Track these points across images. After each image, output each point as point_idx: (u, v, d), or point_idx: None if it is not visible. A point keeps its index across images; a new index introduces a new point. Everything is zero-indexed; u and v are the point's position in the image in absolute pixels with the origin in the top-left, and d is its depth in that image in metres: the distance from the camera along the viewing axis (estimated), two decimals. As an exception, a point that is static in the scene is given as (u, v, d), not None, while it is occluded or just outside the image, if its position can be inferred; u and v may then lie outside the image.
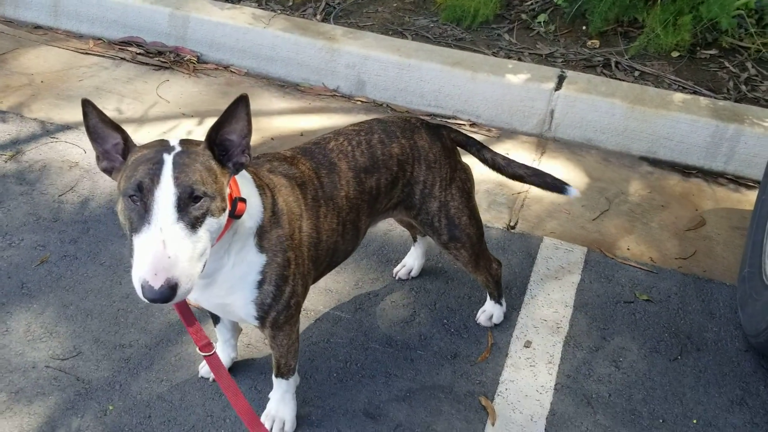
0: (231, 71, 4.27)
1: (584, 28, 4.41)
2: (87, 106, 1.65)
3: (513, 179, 2.53)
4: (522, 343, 2.67)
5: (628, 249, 3.13)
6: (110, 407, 2.34)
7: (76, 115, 3.76)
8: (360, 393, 2.44)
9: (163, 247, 1.51)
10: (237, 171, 1.74)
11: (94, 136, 1.69)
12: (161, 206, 1.55)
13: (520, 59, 4.14)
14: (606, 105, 3.73)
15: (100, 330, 2.59)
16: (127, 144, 1.69)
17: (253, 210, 1.84)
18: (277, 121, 3.85)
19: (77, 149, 3.50)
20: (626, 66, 4.14)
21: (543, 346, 2.65)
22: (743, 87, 4.03)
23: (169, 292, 1.50)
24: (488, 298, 2.72)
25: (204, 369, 2.46)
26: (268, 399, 2.32)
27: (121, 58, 4.30)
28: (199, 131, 3.71)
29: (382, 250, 3.03)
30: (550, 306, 2.82)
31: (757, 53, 4.22)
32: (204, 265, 1.62)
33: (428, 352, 2.61)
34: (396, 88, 4.04)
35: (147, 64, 4.26)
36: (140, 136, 3.62)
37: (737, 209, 3.44)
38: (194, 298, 1.96)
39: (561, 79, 3.86)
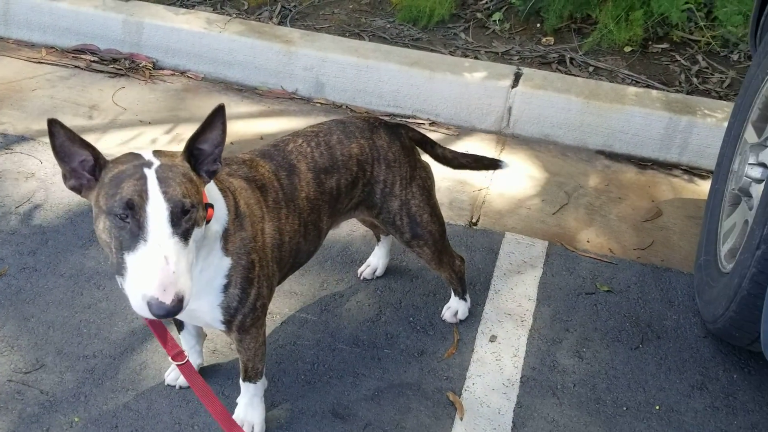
0: (188, 76, 4.24)
1: (539, 25, 4.46)
2: (54, 125, 1.61)
3: (459, 168, 2.65)
4: (487, 337, 2.70)
5: (587, 241, 3.18)
6: (76, 419, 2.31)
7: (30, 125, 3.70)
8: (328, 394, 2.45)
9: (166, 263, 1.53)
10: (210, 179, 1.75)
11: (60, 155, 1.65)
12: (156, 222, 1.56)
13: (476, 58, 4.18)
14: (562, 101, 3.78)
15: (62, 341, 2.56)
16: (99, 161, 1.66)
17: (219, 213, 1.84)
18: (237, 125, 3.83)
19: (33, 160, 3.45)
20: (581, 62, 4.20)
21: (508, 340, 2.69)
22: (695, 79, 4.12)
23: (179, 305, 1.53)
24: (452, 294, 2.74)
25: (170, 376, 2.44)
26: (236, 404, 2.32)
27: (75, 66, 4.24)
28: (161, 138, 3.68)
29: (346, 251, 3.04)
30: (513, 300, 2.86)
31: (707, 46, 4.32)
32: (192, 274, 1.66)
33: (395, 350, 2.63)
34: (355, 89, 4.06)
35: (102, 71, 4.21)
36: (100, 145, 3.55)
37: (692, 199, 3.52)
38: None
39: (517, 77, 3.91)
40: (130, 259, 1.55)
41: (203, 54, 4.21)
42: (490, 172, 3.57)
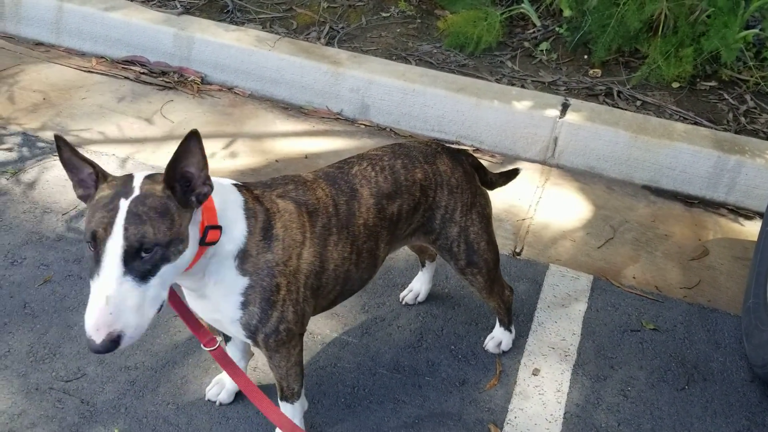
0: (235, 92, 4.27)
1: (586, 57, 4.45)
2: (59, 140, 1.67)
3: (498, 187, 2.64)
4: (530, 370, 2.66)
5: (633, 277, 3.13)
6: (116, 430, 2.30)
7: (79, 133, 3.74)
8: (368, 419, 2.42)
9: (104, 303, 1.54)
10: (201, 202, 1.72)
11: (69, 167, 1.71)
12: (108, 259, 1.56)
13: (523, 86, 4.17)
14: (609, 134, 3.75)
15: (105, 351, 2.56)
16: (98, 176, 1.69)
17: (236, 234, 1.84)
18: (281, 143, 3.85)
19: (81, 168, 3.48)
20: (628, 95, 4.17)
21: (551, 374, 2.64)
22: (742, 119, 4.07)
23: (111, 345, 1.55)
24: (497, 324, 2.71)
25: (211, 391, 2.43)
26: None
27: (125, 77, 4.30)
28: (206, 152, 3.70)
29: (388, 275, 3.02)
30: (557, 333, 2.82)
31: (755, 86, 4.28)
32: (161, 306, 1.66)
33: (436, 378, 2.59)
34: (400, 112, 4.06)
35: (150, 83, 4.26)
36: (144, 156, 3.61)
37: (739, 240, 3.46)
38: (194, 308, 2.00)
39: (565, 107, 3.89)
40: (91, 288, 1.58)
41: (251, 71, 4.24)
42: (535, 202, 3.55)
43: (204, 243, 1.74)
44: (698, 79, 4.33)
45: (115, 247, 1.56)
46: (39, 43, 4.59)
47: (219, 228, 1.78)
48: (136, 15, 4.38)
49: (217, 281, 1.85)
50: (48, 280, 2.83)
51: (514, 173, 2.64)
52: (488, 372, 2.64)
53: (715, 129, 3.91)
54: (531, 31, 4.66)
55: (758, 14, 4.34)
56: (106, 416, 2.34)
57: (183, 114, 4.02)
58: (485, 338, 2.75)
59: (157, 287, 1.63)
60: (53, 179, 3.38)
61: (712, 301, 3.06)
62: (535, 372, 2.65)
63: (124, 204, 1.60)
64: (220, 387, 2.44)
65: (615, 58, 4.44)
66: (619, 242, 3.35)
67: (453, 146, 2.46)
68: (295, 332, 2.00)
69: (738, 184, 3.67)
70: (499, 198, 3.57)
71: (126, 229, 1.57)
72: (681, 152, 3.69)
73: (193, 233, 1.71)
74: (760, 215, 3.65)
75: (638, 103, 4.13)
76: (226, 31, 4.33)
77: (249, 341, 2.00)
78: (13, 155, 3.53)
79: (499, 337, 2.71)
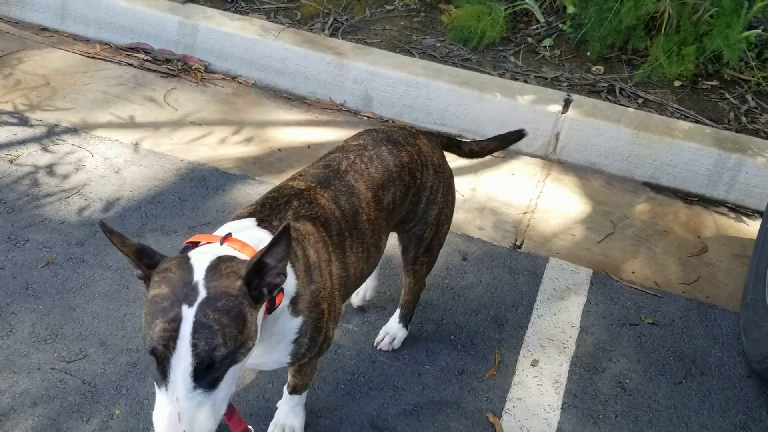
0: (238, 81, 4.28)
1: (588, 53, 4.46)
2: (104, 227, 1.51)
3: (489, 154, 2.63)
4: (529, 361, 2.67)
5: (633, 272, 3.15)
6: (117, 411, 2.31)
7: (83, 118, 3.75)
8: (368, 405, 2.43)
9: (177, 420, 1.43)
10: (271, 294, 1.56)
11: (123, 251, 1.54)
12: (178, 377, 1.42)
13: (525, 82, 4.18)
14: (611, 130, 3.77)
15: (106, 333, 2.57)
16: (144, 272, 1.54)
17: (288, 287, 1.71)
18: (284, 133, 3.86)
19: (84, 152, 3.49)
20: (630, 93, 4.19)
21: (550, 366, 2.66)
22: (743, 118, 4.09)
23: None
24: (397, 319, 2.65)
25: None
26: (276, 407, 2.31)
27: (129, 64, 4.30)
28: (210, 140, 3.71)
29: (389, 264, 3.04)
30: (556, 326, 2.83)
31: (756, 86, 4.29)
32: (227, 403, 1.56)
33: (435, 367, 2.61)
34: (403, 104, 4.07)
35: (154, 71, 4.26)
36: (150, 142, 3.61)
37: (738, 237, 3.48)
38: None
39: (567, 103, 3.90)
40: (158, 393, 1.47)
41: (255, 60, 4.25)
42: (536, 196, 3.56)
43: (273, 310, 1.63)
44: (700, 78, 4.35)
45: (182, 364, 1.42)
46: (43, 29, 4.59)
47: (282, 290, 1.65)
48: (140, 2, 4.39)
49: (272, 332, 1.74)
50: (50, 262, 2.84)
51: (517, 136, 2.59)
52: (487, 362, 2.65)
53: (716, 128, 3.92)
54: (534, 27, 4.68)
55: (761, 15, 4.36)
56: (107, 397, 2.35)
57: (186, 101, 4.02)
58: (485, 329, 2.77)
59: (226, 389, 1.51)
60: (56, 162, 3.38)
61: (711, 297, 3.08)
62: (534, 363, 2.67)
63: (188, 312, 1.43)
64: None
65: (618, 55, 4.45)
66: (618, 237, 3.37)
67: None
68: (331, 342, 1.96)
69: (738, 183, 3.69)
70: (500, 191, 3.58)
71: (195, 346, 1.41)
72: (682, 150, 3.70)
73: (260, 314, 1.58)
74: (760, 214, 3.67)
75: (640, 100, 4.14)
76: (230, 20, 4.33)
77: (285, 366, 1.93)
78: (16, 139, 3.53)
79: (394, 334, 2.65)
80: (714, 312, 2.99)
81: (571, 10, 4.44)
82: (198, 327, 1.42)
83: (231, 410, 1.78)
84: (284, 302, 1.70)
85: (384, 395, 2.48)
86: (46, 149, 3.48)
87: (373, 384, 2.52)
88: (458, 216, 3.36)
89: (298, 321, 1.77)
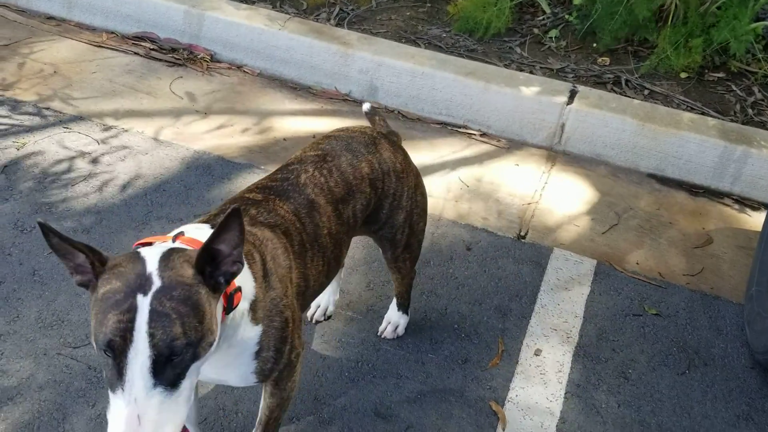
0: (244, 71, 4.28)
1: (595, 45, 4.45)
2: (45, 228, 1.38)
3: None
4: (532, 351, 2.68)
5: (637, 263, 3.15)
6: (122, 396, 2.32)
7: (89, 107, 3.76)
8: (371, 393, 2.45)
9: (137, 423, 1.30)
10: (227, 283, 1.47)
11: (60, 253, 1.43)
12: (135, 373, 1.31)
13: (531, 73, 4.18)
14: (617, 121, 3.76)
15: (112, 320, 2.58)
16: (94, 267, 1.42)
17: (246, 288, 1.61)
18: (289, 123, 3.86)
19: (90, 140, 3.50)
20: (636, 84, 4.18)
21: (553, 355, 2.67)
22: (750, 110, 4.08)
23: None
24: (395, 308, 2.66)
25: None
26: None
27: (135, 53, 4.31)
28: (215, 130, 3.72)
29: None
30: (560, 316, 2.84)
31: (763, 78, 4.28)
32: (191, 397, 1.43)
33: (439, 355, 2.62)
34: (408, 95, 4.07)
35: (160, 60, 4.27)
36: (156, 131, 3.62)
37: (743, 229, 3.48)
38: None
39: (573, 94, 3.90)
40: (112, 401, 1.34)
41: (261, 50, 4.25)
42: (540, 187, 3.56)
43: (231, 310, 1.53)
44: (707, 70, 4.33)
45: (140, 357, 1.31)
46: (50, 17, 4.59)
47: (239, 289, 1.56)
48: (147, -9, 4.39)
49: (231, 344, 1.62)
50: (56, 249, 2.85)
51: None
52: (491, 351, 2.66)
53: (723, 120, 3.92)
54: (540, 17, 4.67)
55: (769, 7, 4.35)
56: (112, 383, 2.37)
57: (192, 91, 4.03)
58: (488, 318, 2.78)
59: (188, 389, 1.39)
60: (62, 150, 3.40)
61: (715, 288, 3.08)
62: (537, 352, 2.68)
63: (143, 302, 1.34)
64: None
65: (624, 47, 4.44)
66: (623, 228, 3.37)
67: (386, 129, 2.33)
68: (300, 354, 1.87)
69: (744, 175, 3.68)
70: (504, 181, 3.58)
71: (152, 336, 1.31)
72: (687, 141, 3.70)
73: (219, 311, 1.48)
74: (766, 206, 3.66)
75: (646, 92, 4.14)
76: (236, 9, 4.34)
77: (255, 383, 1.80)
78: (23, 126, 3.55)
79: (396, 321, 2.67)
80: (718, 303, 2.99)
81: (577, 1, 4.43)
82: (154, 316, 1.33)
83: None
84: (243, 305, 1.60)
85: (388, 383, 2.49)
86: (52, 137, 3.49)
87: (377, 372, 2.53)
88: (462, 206, 3.36)
89: (257, 330, 1.66)
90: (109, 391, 1.35)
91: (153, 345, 1.31)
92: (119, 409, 1.31)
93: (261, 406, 1.96)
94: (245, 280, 1.61)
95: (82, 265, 1.43)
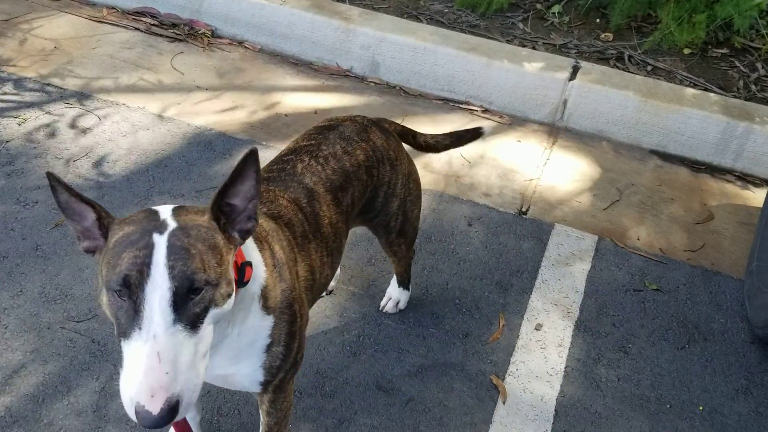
0: (245, 47, 4.26)
1: (598, 20, 4.43)
2: (53, 179, 1.34)
3: (445, 150, 2.49)
4: (533, 325, 2.69)
5: (638, 239, 3.16)
6: (126, 370, 2.34)
7: (90, 82, 3.75)
8: (373, 366, 2.46)
9: (158, 361, 1.21)
10: (243, 240, 1.43)
11: (68, 213, 1.38)
12: (154, 307, 1.24)
13: (534, 48, 4.16)
14: (619, 97, 3.75)
15: (115, 294, 2.60)
16: (102, 220, 1.37)
17: (257, 271, 1.57)
18: (290, 98, 3.85)
19: (91, 115, 3.49)
20: (639, 60, 4.16)
21: (554, 330, 2.68)
22: (753, 87, 4.06)
23: (170, 414, 1.21)
24: (395, 285, 2.67)
25: None
26: None
27: (135, 28, 4.29)
28: (217, 105, 3.71)
29: (395, 229, 3.05)
30: (560, 291, 2.85)
31: (767, 54, 4.26)
32: (207, 359, 1.34)
33: (440, 330, 2.63)
34: (410, 71, 4.05)
35: (161, 35, 4.25)
36: (157, 107, 3.62)
37: (744, 206, 3.48)
38: None
39: (575, 70, 3.88)
40: (126, 348, 1.25)
41: (262, 25, 4.23)
42: (542, 163, 3.56)
43: (242, 284, 1.46)
44: (710, 46, 4.31)
45: (160, 290, 1.25)
46: (49, -7, 4.57)
47: (250, 264, 1.49)
48: (147, -34, 4.36)
49: (242, 331, 1.56)
50: (59, 224, 2.86)
51: (476, 133, 2.46)
52: (491, 326, 2.67)
53: (725, 96, 3.90)
54: (544, -7, 4.64)
55: (773, -18, 4.31)
56: (116, 356, 2.39)
57: (193, 66, 4.02)
58: (489, 293, 2.79)
59: (207, 338, 1.31)
60: (63, 125, 3.40)
61: (716, 264, 3.09)
62: (538, 327, 2.69)
63: (160, 240, 1.29)
64: None
65: (627, 23, 4.41)
66: (624, 205, 3.37)
67: (374, 117, 2.27)
68: (303, 354, 1.80)
69: (746, 151, 3.68)
70: (506, 158, 3.58)
71: (172, 267, 1.26)
72: (690, 118, 3.69)
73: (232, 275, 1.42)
74: (767, 182, 3.66)
75: (649, 68, 4.12)
76: (237, -15, 4.31)
77: (259, 388, 1.71)
78: (24, 102, 3.54)
79: (397, 297, 2.68)
80: (718, 279, 3.00)
81: (580, -24, 4.40)
82: (173, 250, 1.28)
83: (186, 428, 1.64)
84: (254, 288, 1.55)
85: (389, 357, 2.51)
86: (53, 113, 3.49)
87: (379, 346, 2.54)
88: (464, 182, 3.37)
89: (269, 321, 1.61)
90: (122, 341, 1.26)
91: (172, 277, 1.25)
92: (137, 349, 1.23)
93: (261, 423, 1.93)
94: (256, 263, 1.57)
95: (89, 230, 1.39)
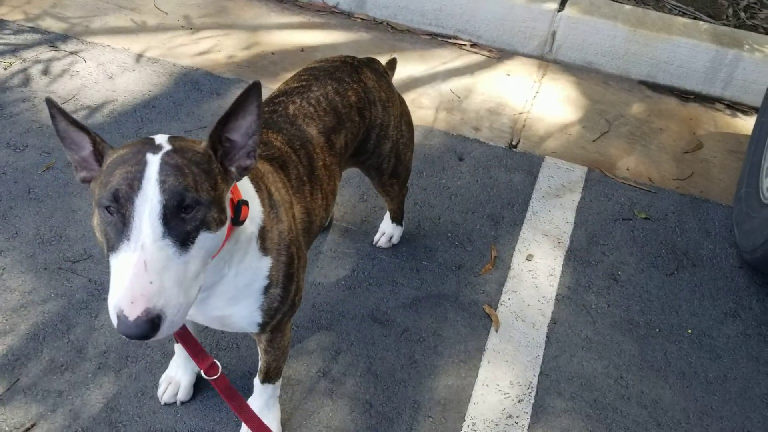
0: (229, -16, 4.20)
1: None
2: (52, 106, 1.33)
3: None
4: (524, 256, 2.73)
5: (627, 169, 3.18)
6: (124, 308, 2.37)
7: (74, 26, 3.70)
8: (368, 299, 2.50)
9: (144, 269, 1.19)
10: (241, 176, 1.41)
11: (67, 142, 1.38)
12: (143, 217, 1.22)
13: (522, -20, 4.10)
14: (608, 28, 3.73)
15: (109, 235, 2.61)
16: (97, 147, 1.36)
17: (254, 211, 1.55)
18: (277, 36, 3.81)
19: (77, 59, 3.46)
20: (628, -10, 4.12)
21: (544, 260, 2.72)
22: (742, 14, 4.04)
23: (148, 326, 1.18)
24: (388, 220, 2.69)
25: (165, 395, 2.14)
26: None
27: (117, -32, 4.21)
28: (201, 44, 3.67)
29: (387, 165, 3.06)
30: (551, 222, 2.88)
31: (757, -19, 4.22)
32: (199, 290, 1.31)
33: (433, 263, 2.67)
34: (397, 5, 4.01)
35: (143, -25, 4.17)
36: (142, 48, 3.58)
37: (733, 134, 3.49)
38: (192, 312, 1.64)
39: (564, 0, 3.84)
40: (114, 261, 1.24)
41: (245, -38, 4.15)
42: (531, 96, 3.55)
43: (236, 222, 1.43)
44: (700, -26, 4.27)
45: (149, 202, 1.23)
46: (26, -67, 4.46)
47: (247, 204, 1.47)
48: None
49: (239, 272, 1.55)
50: (50, 166, 2.86)
51: (392, 63, 2.44)
52: (483, 258, 2.71)
53: (714, 24, 3.88)
54: (531, -77, 4.55)
55: None
56: (113, 295, 2.41)
57: (177, 5, 3.96)
58: (481, 226, 2.82)
59: (197, 261, 1.29)
60: (50, 69, 3.36)
61: (704, 192, 3.12)
62: (529, 258, 2.73)
63: (153, 158, 1.28)
64: (175, 386, 2.16)
65: (616, -49, 4.36)
66: (614, 135, 3.38)
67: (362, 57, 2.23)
68: (301, 295, 1.79)
69: (735, 79, 3.68)
70: (496, 92, 3.57)
71: (163, 182, 1.25)
72: (679, 46, 3.67)
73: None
74: (756, 110, 3.67)
75: (638, -3, 4.08)
76: None
77: (257, 329, 1.71)
78: (9, 46, 3.49)
79: (390, 232, 2.70)
80: (707, 206, 3.04)
81: None
82: (166, 167, 1.27)
83: (196, 345, 1.66)
84: (252, 228, 1.54)
85: (383, 290, 2.55)
86: (39, 57, 3.44)
87: (373, 280, 2.58)
88: (454, 117, 3.36)
89: (267, 262, 1.60)
90: (111, 255, 1.24)
91: (163, 191, 1.24)
92: (125, 259, 1.21)
93: (260, 359, 1.94)
94: (253, 203, 1.56)
95: (86, 160, 1.38)
